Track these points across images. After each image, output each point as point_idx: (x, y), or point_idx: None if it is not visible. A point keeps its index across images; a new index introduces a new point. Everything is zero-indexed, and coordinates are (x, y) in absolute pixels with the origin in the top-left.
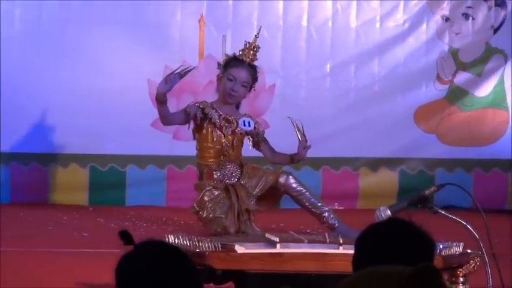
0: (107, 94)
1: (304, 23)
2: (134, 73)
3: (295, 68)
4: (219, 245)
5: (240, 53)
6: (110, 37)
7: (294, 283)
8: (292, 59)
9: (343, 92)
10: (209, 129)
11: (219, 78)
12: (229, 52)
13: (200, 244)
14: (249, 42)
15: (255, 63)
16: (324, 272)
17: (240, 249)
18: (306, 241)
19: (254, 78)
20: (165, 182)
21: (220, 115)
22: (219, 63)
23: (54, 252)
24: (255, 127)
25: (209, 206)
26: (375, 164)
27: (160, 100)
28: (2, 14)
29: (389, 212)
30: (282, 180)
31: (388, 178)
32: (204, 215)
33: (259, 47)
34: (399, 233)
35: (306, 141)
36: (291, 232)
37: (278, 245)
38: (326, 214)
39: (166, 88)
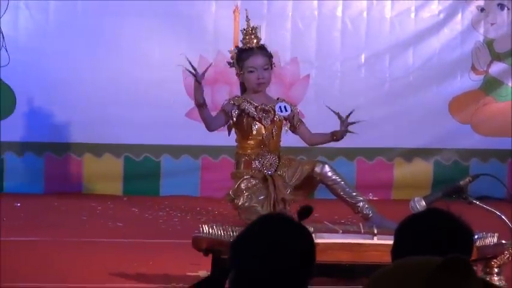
0: (141, 84)
1: (339, 13)
2: (169, 64)
3: (330, 59)
4: None
5: (243, 42)
6: (144, 28)
7: (329, 273)
8: (326, 49)
9: (378, 83)
10: (248, 122)
11: (240, 75)
12: (264, 42)
13: (234, 234)
14: (244, 29)
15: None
16: (358, 262)
17: None
18: (340, 231)
19: (270, 58)
20: (199, 172)
21: (256, 107)
22: (229, 63)
23: (88, 242)
24: (291, 110)
25: (246, 194)
26: (409, 154)
27: (200, 104)
28: (36, 6)
29: (424, 203)
30: (317, 169)
31: (423, 169)
32: (240, 203)
33: (256, 27)
34: (439, 223)
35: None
36: (325, 222)
37: (313, 235)
38: (361, 204)
39: (199, 95)
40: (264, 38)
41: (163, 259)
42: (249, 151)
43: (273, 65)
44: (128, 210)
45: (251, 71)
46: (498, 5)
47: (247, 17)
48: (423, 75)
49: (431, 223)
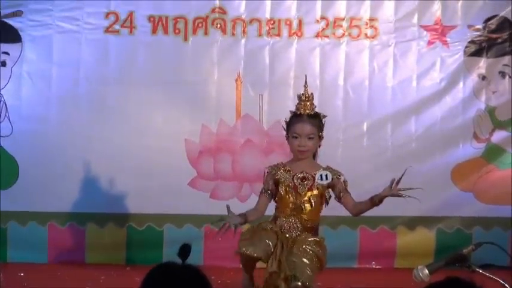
0: (144, 153)
1: (341, 82)
2: (171, 132)
3: (332, 127)
4: None
5: (296, 107)
6: (147, 97)
7: None
8: (329, 117)
9: (381, 151)
10: (284, 190)
11: (287, 139)
12: (266, 112)
13: None
14: (301, 94)
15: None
16: None
17: None
18: None
19: (319, 127)
20: (202, 240)
21: (294, 175)
22: (283, 127)
23: None
24: (332, 178)
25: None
26: (412, 222)
27: (243, 223)
28: (38, 74)
29: (427, 271)
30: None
31: (426, 237)
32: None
33: (312, 95)
34: None
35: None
36: None
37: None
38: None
39: (238, 223)
40: (266, 107)
41: None
42: (282, 216)
43: (321, 135)
44: (131, 280)
45: (295, 137)
46: (499, 72)
47: (305, 82)
48: (425, 143)
49: None
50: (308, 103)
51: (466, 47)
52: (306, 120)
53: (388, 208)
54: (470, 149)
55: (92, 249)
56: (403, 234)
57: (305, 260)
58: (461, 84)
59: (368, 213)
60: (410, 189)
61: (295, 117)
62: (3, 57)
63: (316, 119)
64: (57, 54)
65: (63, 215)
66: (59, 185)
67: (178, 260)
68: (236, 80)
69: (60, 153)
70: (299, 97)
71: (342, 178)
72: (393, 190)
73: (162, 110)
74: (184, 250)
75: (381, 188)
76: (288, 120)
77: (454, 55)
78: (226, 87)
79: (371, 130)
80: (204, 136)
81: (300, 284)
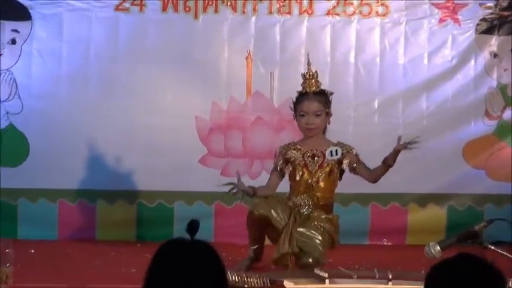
0: (154, 131)
1: (352, 59)
2: (182, 110)
3: (343, 104)
4: (268, 281)
5: (302, 86)
6: (157, 74)
7: None
8: (340, 95)
9: (392, 128)
10: (295, 169)
11: (295, 118)
12: (277, 89)
13: (249, 280)
14: (305, 72)
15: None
16: None
17: (288, 284)
18: (355, 276)
19: (326, 103)
20: (212, 218)
21: (304, 152)
22: (291, 107)
23: None
24: (343, 153)
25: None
26: (423, 199)
27: (251, 195)
28: (48, 52)
29: (438, 248)
30: None
31: (437, 214)
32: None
33: (316, 73)
34: (472, 268)
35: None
36: (339, 268)
37: (327, 281)
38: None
39: (247, 191)
40: (277, 84)
41: None
42: (295, 194)
43: (329, 113)
44: (141, 257)
45: (302, 115)
46: (511, 50)
47: (308, 61)
48: (437, 121)
49: (464, 268)
50: (313, 81)
51: (478, 24)
52: (312, 97)
53: (399, 185)
54: (481, 127)
55: (102, 226)
56: (415, 211)
57: (316, 236)
58: (472, 61)
59: (379, 190)
60: (415, 142)
61: (301, 96)
62: (13, 35)
63: (323, 96)
64: (67, 32)
65: (74, 192)
66: (69, 162)
67: (188, 237)
68: (246, 58)
69: (70, 130)
70: (303, 76)
71: (354, 151)
72: (400, 146)
73: (172, 87)
74: (193, 226)
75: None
76: (294, 100)
77: (465, 33)
78: (236, 65)
79: (382, 108)
80: (214, 113)
81: (310, 260)
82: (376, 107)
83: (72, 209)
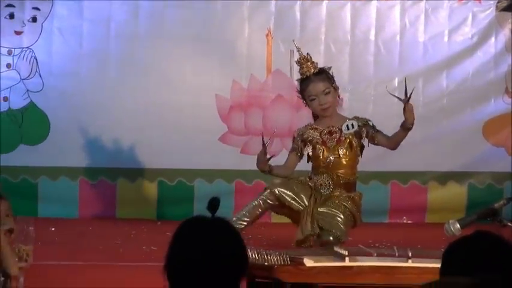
0: (174, 109)
1: (372, 37)
2: (202, 88)
3: (363, 83)
4: (288, 259)
5: (300, 73)
6: (177, 52)
7: None
8: (360, 73)
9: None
10: (314, 148)
11: (306, 105)
12: (297, 67)
13: (269, 257)
14: (298, 59)
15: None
16: (393, 285)
17: (308, 262)
18: (375, 254)
19: (330, 79)
20: (233, 196)
21: (321, 131)
22: (298, 96)
23: (123, 266)
24: (359, 125)
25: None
26: (443, 177)
27: (266, 172)
28: (69, 31)
29: (458, 226)
30: None
31: (457, 192)
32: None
33: (308, 54)
34: (489, 245)
35: (408, 101)
36: (360, 246)
37: (347, 258)
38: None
39: (263, 165)
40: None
41: None
42: (315, 174)
43: (336, 88)
44: (162, 234)
45: (312, 99)
46: None
47: (297, 47)
48: (457, 99)
49: (481, 246)
50: (309, 63)
51: (498, 2)
52: (315, 79)
53: (419, 163)
54: (502, 104)
55: (122, 204)
56: (435, 189)
57: (338, 214)
58: (493, 39)
59: (399, 168)
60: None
61: (304, 81)
62: (34, 12)
63: (323, 74)
64: (87, 10)
65: (94, 170)
66: (90, 140)
67: (209, 214)
68: (267, 36)
69: (90, 108)
70: (298, 62)
71: (370, 123)
72: (402, 101)
73: (192, 66)
74: (213, 203)
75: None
76: (298, 89)
77: (485, 10)
78: (256, 44)
79: (402, 86)
80: (234, 92)
81: (331, 238)
82: (396, 85)
83: (93, 187)
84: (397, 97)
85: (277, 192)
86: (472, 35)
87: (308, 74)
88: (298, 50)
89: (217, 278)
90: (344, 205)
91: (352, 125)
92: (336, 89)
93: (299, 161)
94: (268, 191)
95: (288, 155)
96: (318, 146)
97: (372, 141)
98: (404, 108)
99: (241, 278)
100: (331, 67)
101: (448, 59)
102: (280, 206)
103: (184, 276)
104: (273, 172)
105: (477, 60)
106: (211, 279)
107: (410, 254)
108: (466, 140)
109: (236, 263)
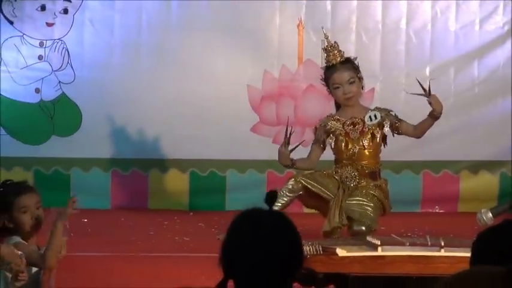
0: (207, 100)
1: (403, 26)
2: (234, 79)
3: (395, 72)
4: (320, 248)
5: (326, 60)
6: (209, 43)
7: (396, 286)
8: (391, 62)
9: (443, 95)
10: (337, 139)
11: (330, 93)
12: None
13: (306, 248)
14: (325, 46)
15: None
16: (425, 275)
17: (341, 252)
18: (408, 244)
19: (355, 69)
20: (265, 186)
21: (344, 122)
22: (322, 84)
23: (155, 257)
24: (382, 116)
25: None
26: (475, 167)
27: (289, 166)
28: (101, 22)
29: (490, 215)
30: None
31: (489, 181)
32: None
33: (336, 43)
34: None
35: (429, 94)
36: (392, 235)
37: (379, 248)
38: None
39: (285, 159)
40: None
41: None
42: (339, 166)
43: (361, 78)
44: (194, 225)
45: (337, 87)
46: None
47: (325, 34)
48: (488, 88)
49: (510, 235)
50: (335, 51)
51: None
52: (341, 68)
53: (451, 152)
54: None
55: (154, 195)
56: (467, 178)
57: (367, 203)
58: None
59: (431, 158)
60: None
61: (329, 69)
62: (65, 4)
63: (349, 63)
64: (119, 1)
65: (126, 161)
66: (122, 131)
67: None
68: (298, 26)
69: (122, 99)
70: (325, 50)
71: (393, 113)
72: (426, 95)
73: (224, 56)
74: (271, 196)
75: (441, 132)
76: (323, 77)
77: None
78: (288, 33)
79: (433, 75)
80: (266, 82)
81: (363, 228)
82: (427, 74)
83: (125, 178)
84: (419, 94)
85: (303, 181)
86: (504, 23)
87: (334, 62)
88: (326, 37)
89: (275, 275)
90: (372, 193)
91: (375, 115)
92: (360, 79)
93: (322, 153)
94: (293, 179)
95: (311, 146)
96: (340, 137)
97: (396, 130)
98: (429, 102)
99: (296, 273)
100: (356, 57)
101: (479, 48)
102: (308, 196)
103: (242, 272)
104: (296, 166)
105: (508, 49)
106: (269, 276)
107: (442, 244)
108: (498, 129)
109: (294, 260)
